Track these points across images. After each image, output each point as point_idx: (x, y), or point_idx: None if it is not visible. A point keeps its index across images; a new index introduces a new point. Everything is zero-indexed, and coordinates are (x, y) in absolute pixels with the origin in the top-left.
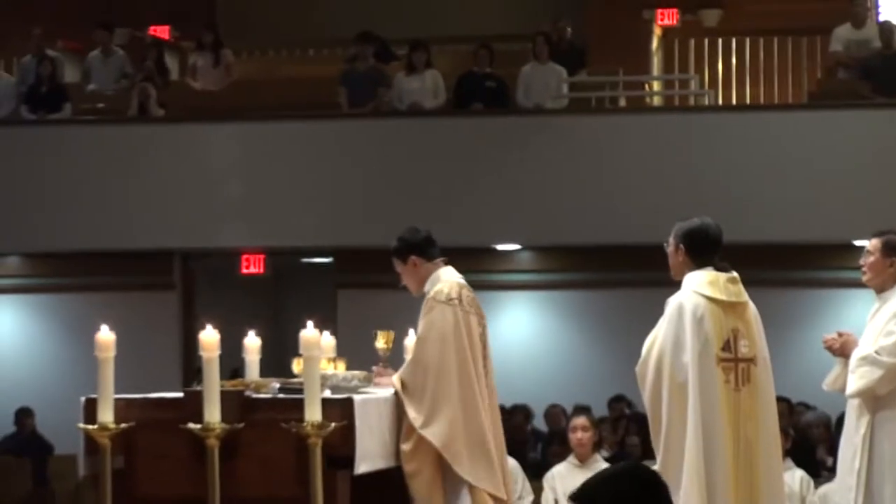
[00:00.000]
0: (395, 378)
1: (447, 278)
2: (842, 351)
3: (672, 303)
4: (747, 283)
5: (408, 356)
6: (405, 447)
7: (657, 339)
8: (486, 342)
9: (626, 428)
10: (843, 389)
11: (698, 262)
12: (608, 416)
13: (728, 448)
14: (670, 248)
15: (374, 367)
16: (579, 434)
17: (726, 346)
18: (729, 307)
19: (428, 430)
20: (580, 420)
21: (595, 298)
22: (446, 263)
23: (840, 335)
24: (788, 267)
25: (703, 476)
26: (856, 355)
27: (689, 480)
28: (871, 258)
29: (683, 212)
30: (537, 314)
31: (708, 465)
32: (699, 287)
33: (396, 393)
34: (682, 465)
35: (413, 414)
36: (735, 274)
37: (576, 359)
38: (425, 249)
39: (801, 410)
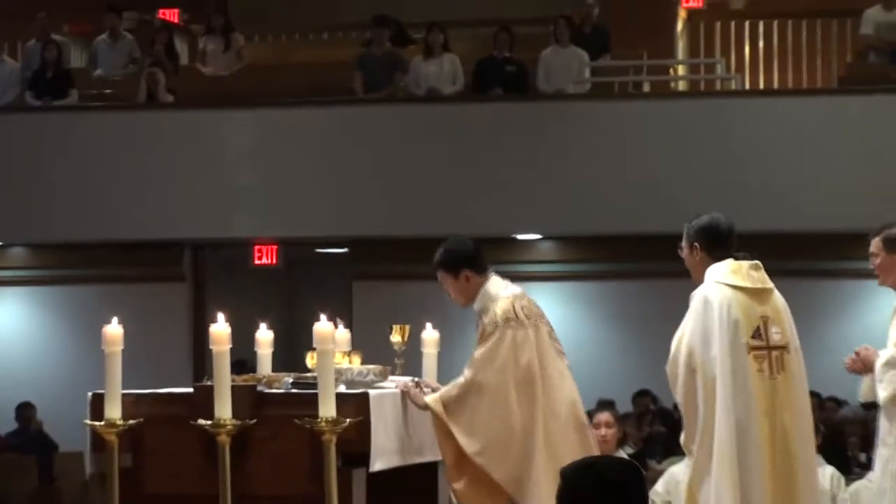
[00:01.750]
0: (433, 401)
1: (497, 293)
2: (865, 367)
3: (696, 296)
4: (775, 273)
5: (425, 350)
6: (457, 486)
7: (684, 335)
8: (557, 339)
9: (651, 423)
10: None
11: (716, 256)
12: (633, 411)
13: (764, 440)
14: (685, 251)
15: (414, 379)
16: (602, 430)
17: (757, 334)
18: (755, 294)
19: (483, 458)
20: (603, 416)
21: (618, 289)
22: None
23: (858, 354)
24: (818, 256)
25: (736, 471)
26: (879, 362)
27: (719, 476)
28: (878, 259)
29: (709, 199)
30: (559, 306)
31: (742, 459)
32: (722, 277)
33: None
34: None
35: (464, 440)
36: (757, 261)
37: (599, 352)
38: (477, 262)
39: (833, 406)
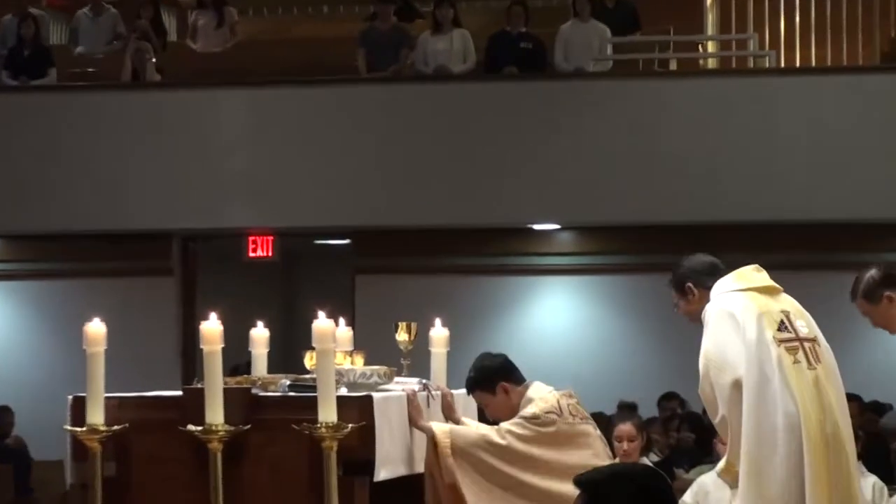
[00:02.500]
0: (442, 436)
1: (540, 395)
2: None
3: (709, 310)
4: (814, 266)
5: (433, 349)
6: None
7: (708, 351)
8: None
9: (678, 429)
10: None
11: (711, 284)
12: (658, 415)
13: (817, 440)
14: (681, 304)
15: (422, 381)
16: (624, 444)
17: (782, 327)
18: (767, 291)
19: None
20: (625, 428)
21: (643, 284)
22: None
23: None
24: (860, 248)
25: (764, 483)
26: None
27: (746, 490)
28: (877, 318)
29: (740, 186)
30: (578, 301)
31: (790, 466)
32: (730, 286)
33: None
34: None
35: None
36: (756, 265)
37: (622, 351)
38: (512, 372)
39: (873, 418)
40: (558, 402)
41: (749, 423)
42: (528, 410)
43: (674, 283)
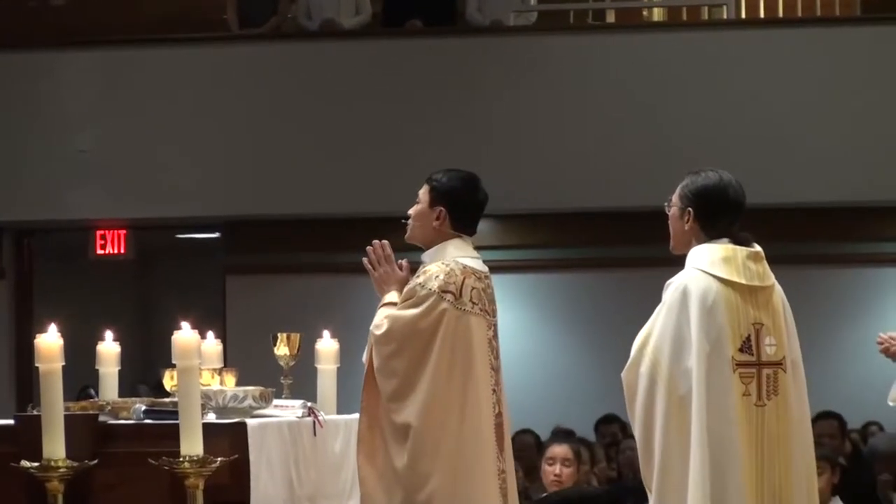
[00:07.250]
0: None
1: (453, 255)
2: None
3: (673, 286)
4: (776, 259)
5: (320, 365)
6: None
7: (651, 335)
8: (497, 350)
9: (618, 460)
10: None
11: (711, 232)
12: (596, 441)
13: (748, 485)
14: (673, 210)
15: (308, 405)
16: (557, 468)
17: (745, 346)
18: (749, 293)
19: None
20: (560, 449)
21: (577, 283)
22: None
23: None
24: (834, 237)
25: None
26: None
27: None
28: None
29: (693, 164)
30: (500, 304)
31: None
32: (710, 266)
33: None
34: None
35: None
36: (758, 249)
37: (552, 365)
38: (466, 213)
39: (857, 436)
40: (463, 280)
41: (696, 458)
42: (424, 275)
43: (680, 193)
